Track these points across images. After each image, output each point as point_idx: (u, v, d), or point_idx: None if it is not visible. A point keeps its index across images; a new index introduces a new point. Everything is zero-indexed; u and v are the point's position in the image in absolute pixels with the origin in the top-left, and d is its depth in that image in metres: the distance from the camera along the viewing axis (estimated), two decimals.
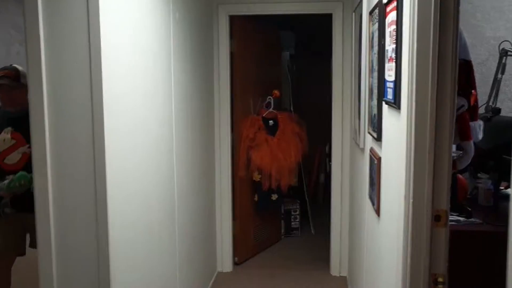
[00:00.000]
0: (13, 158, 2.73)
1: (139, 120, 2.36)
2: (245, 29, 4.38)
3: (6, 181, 2.69)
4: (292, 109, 5.48)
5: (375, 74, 2.36)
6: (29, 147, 2.41)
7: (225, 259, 4.37)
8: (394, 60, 1.81)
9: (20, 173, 2.68)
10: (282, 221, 5.22)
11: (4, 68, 2.79)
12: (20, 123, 2.63)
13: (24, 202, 2.68)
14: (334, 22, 4.04)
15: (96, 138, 1.93)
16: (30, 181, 2.56)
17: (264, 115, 4.60)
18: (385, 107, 2.15)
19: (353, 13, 3.63)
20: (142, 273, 2.43)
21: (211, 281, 4.11)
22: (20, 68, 2.83)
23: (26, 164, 2.70)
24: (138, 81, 2.36)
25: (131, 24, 2.27)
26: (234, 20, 4.19)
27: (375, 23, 2.37)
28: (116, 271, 2.04)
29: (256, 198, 4.65)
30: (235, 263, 4.46)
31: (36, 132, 1.94)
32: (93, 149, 1.93)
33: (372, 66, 2.51)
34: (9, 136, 2.76)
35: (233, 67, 4.24)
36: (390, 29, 1.92)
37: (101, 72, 1.89)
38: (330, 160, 4.57)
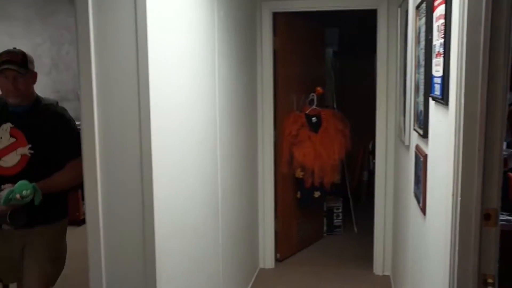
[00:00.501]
0: (11, 160, 2.37)
1: (184, 118, 2.40)
2: (289, 26, 4.37)
3: (3, 192, 2.24)
4: (335, 106, 5.44)
5: (422, 69, 2.32)
6: (31, 148, 2.35)
7: (267, 256, 4.38)
8: (442, 55, 1.77)
9: (21, 182, 2.26)
10: (325, 219, 5.20)
11: (9, 52, 2.40)
12: (22, 118, 2.41)
13: (26, 215, 2.36)
14: (379, 18, 3.98)
15: (143, 137, 1.97)
16: (34, 192, 2.27)
17: (307, 112, 4.58)
18: (432, 103, 2.10)
19: (399, 8, 3.57)
20: (186, 268, 2.48)
21: (253, 277, 4.13)
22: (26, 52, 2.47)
23: (25, 170, 2.37)
24: (184, 80, 2.40)
25: (177, 23, 2.31)
26: (278, 17, 4.19)
27: (422, 18, 2.32)
28: (162, 265, 2.09)
29: (298, 195, 4.64)
30: (277, 260, 4.47)
31: (86, 125, 2.00)
32: (140, 147, 1.98)
33: (419, 61, 2.46)
34: (7, 133, 2.39)
35: (276, 64, 4.24)
36: (438, 23, 1.88)
37: (148, 71, 1.93)
38: (373, 158, 4.51)
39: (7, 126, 2.41)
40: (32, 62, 2.45)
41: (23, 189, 2.22)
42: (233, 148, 3.39)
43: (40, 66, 5.75)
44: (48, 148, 2.40)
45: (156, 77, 1.99)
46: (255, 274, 4.22)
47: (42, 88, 5.80)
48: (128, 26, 1.93)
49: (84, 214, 2.09)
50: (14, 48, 2.45)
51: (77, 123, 5.95)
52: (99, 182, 2.00)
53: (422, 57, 2.33)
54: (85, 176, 2.02)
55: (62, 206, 2.59)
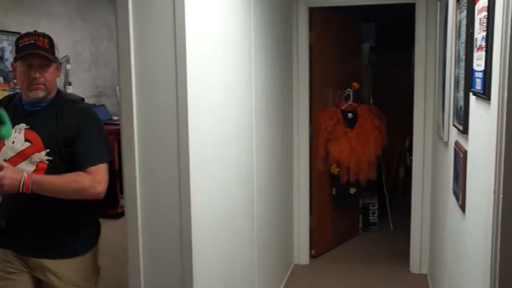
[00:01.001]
0: (25, 169, 1.86)
1: (221, 112, 2.42)
2: (325, 21, 4.35)
3: None
4: (371, 101, 5.38)
5: (462, 64, 2.26)
6: (48, 154, 1.90)
7: (301, 252, 4.38)
8: (484, 49, 1.72)
9: None
10: (360, 216, 5.15)
11: (32, 34, 1.93)
12: (39, 118, 1.94)
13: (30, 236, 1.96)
14: (418, 12, 3.91)
15: (180, 131, 2.00)
16: None
17: (343, 107, 4.54)
18: (472, 98, 2.05)
19: (438, 2, 3.49)
20: (222, 262, 2.50)
21: (288, 273, 4.14)
22: None
23: None
24: (221, 75, 2.42)
25: (214, 19, 2.33)
26: (314, 12, 4.17)
27: (463, 11, 2.27)
28: (198, 259, 2.12)
29: (334, 192, 4.62)
30: (312, 256, 4.46)
31: (125, 121, 2.05)
32: (177, 142, 2.01)
33: (459, 56, 2.41)
34: (22, 136, 1.90)
35: (312, 60, 4.22)
36: (480, 16, 1.83)
37: (185, 66, 1.96)
38: (410, 154, 4.44)
39: (22, 127, 1.93)
40: (58, 49, 2.00)
41: None
42: (269, 144, 3.40)
43: (80, 62, 5.90)
44: (69, 154, 1.91)
45: (194, 72, 2.02)
46: (290, 270, 4.22)
47: (83, 84, 5.99)
48: (166, 22, 1.96)
49: (122, 207, 2.14)
50: (35, 31, 1.97)
51: (115, 118, 6.10)
52: (137, 176, 2.05)
53: (462, 51, 2.27)
54: (124, 170, 2.07)
55: (91, 231, 2.09)
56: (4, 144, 1.94)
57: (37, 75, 1.90)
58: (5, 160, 1.89)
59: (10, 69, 4.90)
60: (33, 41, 1.90)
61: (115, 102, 6.20)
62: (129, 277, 2.13)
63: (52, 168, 1.90)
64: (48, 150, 1.90)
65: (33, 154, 1.90)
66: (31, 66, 1.90)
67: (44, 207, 1.93)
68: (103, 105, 6.08)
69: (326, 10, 4.28)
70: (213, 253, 2.35)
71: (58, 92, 2.03)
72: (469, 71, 2.04)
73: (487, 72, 1.68)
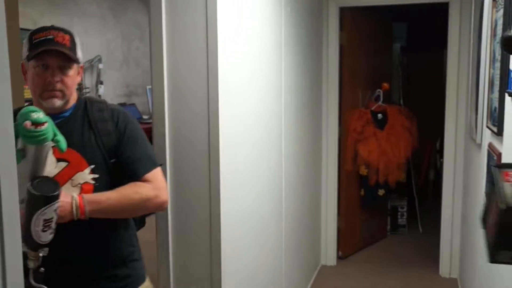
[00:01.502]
0: (65, 196, 1.43)
1: (251, 113, 2.43)
2: (356, 21, 4.31)
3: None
4: (402, 102, 5.32)
5: (497, 64, 2.22)
6: (93, 171, 1.53)
7: (329, 253, 4.36)
8: None
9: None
10: (389, 218, 5.09)
11: (50, 28, 1.55)
12: (67, 130, 1.50)
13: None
14: (451, 11, 3.84)
15: (211, 131, 2.02)
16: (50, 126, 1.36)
17: (373, 108, 4.50)
18: (508, 99, 2.01)
19: (473, 0, 3.43)
20: (250, 261, 2.51)
21: (315, 274, 4.13)
22: None
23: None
24: (252, 75, 2.43)
25: (246, 19, 2.34)
26: (345, 12, 4.14)
27: (499, 10, 2.22)
28: (227, 258, 2.13)
29: (362, 193, 4.58)
30: (339, 257, 4.43)
31: (157, 120, 2.07)
32: (208, 142, 2.03)
33: (494, 55, 2.36)
34: (51, 156, 1.44)
35: (342, 60, 4.20)
36: None
37: (217, 67, 1.97)
38: (441, 157, 4.37)
39: (48, 146, 1.42)
40: (81, 48, 1.61)
41: (32, 110, 1.33)
42: (298, 144, 3.39)
43: (112, 62, 6.00)
44: (114, 166, 1.58)
45: (225, 72, 2.03)
46: (317, 270, 4.21)
47: (114, 83, 6.08)
48: (199, 23, 1.98)
49: None
50: (52, 25, 1.58)
51: (144, 117, 6.16)
52: (168, 175, 2.07)
53: (498, 51, 2.22)
54: None
55: (140, 254, 1.73)
56: None
57: (56, 78, 1.50)
58: None
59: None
60: (51, 36, 1.51)
61: (145, 101, 6.28)
62: (158, 278, 2.16)
63: (99, 188, 1.52)
64: (93, 166, 1.53)
65: (74, 175, 1.51)
66: (47, 67, 1.50)
67: (90, 240, 1.57)
68: (133, 104, 6.17)
69: (356, 10, 4.25)
70: (242, 253, 2.36)
71: (79, 96, 1.66)
72: (505, 71, 2.00)
73: None
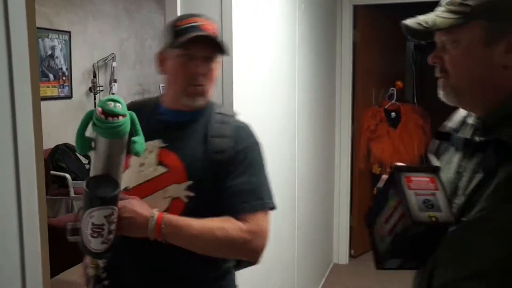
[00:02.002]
0: (154, 204, 1.28)
1: (265, 109, 2.44)
2: (369, 19, 4.29)
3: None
4: (415, 101, 5.27)
5: None
6: (191, 188, 1.31)
7: (341, 251, 4.35)
8: None
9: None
10: None
11: (191, 15, 1.39)
12: (182, 135, 1.38)
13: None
14: None
15: None
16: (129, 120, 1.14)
17: (386, 106, 4.48)
18: None
19: None
20: (264, 258, 2.51)
21: (327, 272, 4.12)
22: None
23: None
24: (266, 73, 2.44)
25: (260, 17, 2.34)
26: (358, 10, 4.13)
27: None
28: None
29: (375, 192, 4.55)
30: (351, 256, 4.42)
31: None
32: None
33: None
34: (154, 157, 1.35)
35: (355, 58, 4.18)
36: None
37: (232, 65, 1.98)
38: None
39: (155, 145, 1.36)
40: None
41: (110, 99, 1.13)
42: (311, 142, 3.39)
43: (125, 60, 6.04)
44: (216, 192, 1.34)
45: (239, 70, 2.04)
46: (329, 269, 4.20)
47: (127, 81, 6.12)
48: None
49: None
50: (194, 13, 1.41)
51: None
52: None
53: None
54: None
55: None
56: (129, 165, 1.36)
57: (201, 70, 1.33)
58: (126, 189, 1.33)
59: (61, 66, 5.11)
60: (197, 24, 1.34)
61: None
62: None
63: (190, 209, 1.30)
64: (191, 183, 1.32)
65: (169, 185, 1.32)
66: (192, 58, 1.33)
67: (174, 260, 1.34)
68: None
69: (370, 8, 4.23)
70: None
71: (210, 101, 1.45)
72: None
73: None
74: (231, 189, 1.32)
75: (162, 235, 1.22)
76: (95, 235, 1.14)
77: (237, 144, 1.35)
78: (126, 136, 1.14)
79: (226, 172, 1.33)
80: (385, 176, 1.16)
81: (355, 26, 4.13)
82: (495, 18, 0.98)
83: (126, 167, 1.34)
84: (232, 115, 1.45)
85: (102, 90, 5.57)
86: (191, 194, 1.31)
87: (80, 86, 5.40)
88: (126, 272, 1.35)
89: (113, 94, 5.76)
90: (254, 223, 1.30)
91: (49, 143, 4.75)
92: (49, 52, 4.94)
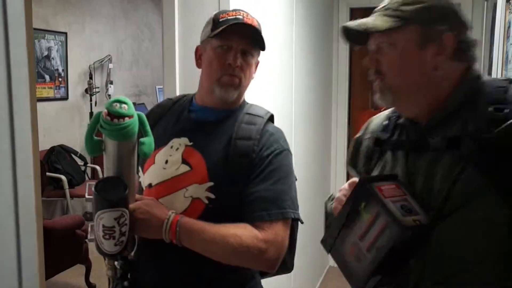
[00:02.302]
0: (173, 204, 1.27)
1: None
2: None
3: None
4: None
5: (510, 66, 2.21)
6: (211, 190, 1.27)
7: None
8: None
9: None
10: None
11: (233, 10, 1.41)
12: (209, 134, 1.34)
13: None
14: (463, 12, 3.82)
15: None
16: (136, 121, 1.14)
17: (382, 109, 4.48)
18: None
19: (485, 2, 3.41)
20: None
21: (322, 275, 4.12)
22: None
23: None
24: (263, 74, 2.43)
25: (258, 18, 2.33)
26: (355, 13, 4.13)
27: None
28: None
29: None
30: None
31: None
32: None
33: (507, 57, 2.35)
34: (179, 155, 1.32)
35: (352, 61, 4.19)
36: None
37: None
38: None
39: (182, 142, 1.34)
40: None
41: (116, 100, 1.12)
42: (307, 144, 3.39)
43: (122, 61, 6.03)
44: (236, 196, 1.29)
45: None
46: (324, 271, 4.20)
47: (123, 83, 6.11)
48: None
49: None
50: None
51: None
52: None
53: (511, 53, 2.21)
54: None
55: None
56: (153, 162, 1.34)
57: (237, 62, 1.31)
58: (150, 185, 1.32)
59: (57, 68, 5.10)
60: (240, 16, 1.34)
61: (154, 101, 6.31)
62: None
63: (210, 212, 1.27)
64: (212, 184, 1.27)
65: (190, 184, 1.28)
66: (230, 48, 1.32)
67: (186, 269, 1.30)
68: (142, 104, 6.19)
69: (367, 10, 4.17)
70: None
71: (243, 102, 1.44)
72: None
73: None
74: (252, 195, 1.27)
75: (179, 239, 1.19)
76: (106, 237, 1.13)
77: (262, 149, 1.30)
78: (135, 138, 1.13)
79: (247, 176, 1.28)
80: (340, 195, 1.15)
81: None
82: (427, 23, 1.05)
83: (152, 163, 1.34)
84: (262, 116, 1.39)
85: (98, 92, 5.56)
86: (212, 196, 1.27)
87: (76, 87, 5.38)
88: (147, 273, 1.31)
89: (109, 95, 5.75)
90: (270, 232, 1.25)
91: (44, 144, 4.74)
92: (45, 53, 4.92)
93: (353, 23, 1.11)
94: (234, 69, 1.31)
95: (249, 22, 1.34)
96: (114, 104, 1.10)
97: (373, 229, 0.99)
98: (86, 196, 1.19)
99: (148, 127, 1.16)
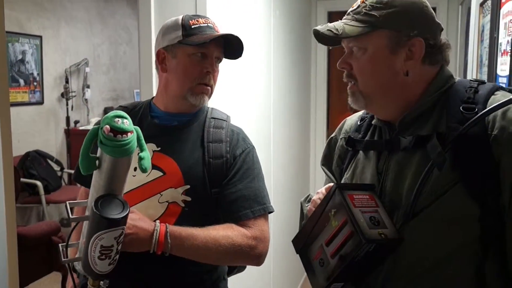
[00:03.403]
0: (148, 211, 1.27)
1: (240, 115, 2.43)
2: None
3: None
4: None
5: (485, 69, 2.24)
6: (187, 193, 1.29)
7: None
8: (509, 54, 1.70)
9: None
10: None
11: (200, 16, 1.42)
12: (176, 138, 1.36)
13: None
14: (438, 16, 3.83)
15: None
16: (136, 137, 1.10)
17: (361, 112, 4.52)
18: None
19: (460, 6, 3.47)
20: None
21: (302, 279, 4.12)
22: None
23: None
24: (241, 77, 2.43)
25: (235, 23, 2.33)
26: (333, 16, 4.16)
27: (486, 15, 2.24)
28: None
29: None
30: None
31: None
32: None
33: (481, 61, 2.38)
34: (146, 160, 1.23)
35: (330, 64, 4.21)
36: (505, 20, 1.81)
37: None
38: None
39: (149, 148, 1.30)
40: None
41: (118, 115, 1.08)
42: (286, 148, 3.39)
43: (99, 65, 5.96)
44: (214, 197, 1.33)
45: None
46: (304, 276, 4.20)
47: (100, 87, 6.04)
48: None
49: None
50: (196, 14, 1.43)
51: None
52: None
53: (485, 56, 2.25)
54: None
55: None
56: None
57: (214, 69, 1.37)
58: None
59: (32, 72, 5.01)
60: (211, 25, 1.38)
61: None
62: None
63: (187, 214, 1.29)
64: (188, 187, 1.29)
65: (165, 189, 1.29)
66: (206, 56, 1.34)
67: (166, 280, 1.31)
68: None
69: (344, 14, 4.27)
70: None
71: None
72: (492, 76, 2.02)
73: None
74: (233, 194, 1.31)
75: (166, 250, 1.20)
76: (103, 257, 1.10)
77: (233, 149, 1.36)
78: (133, 153, 1.10)
79: (224, 177, 1.33)
80: (316, 198, 1.15)
81: None
82: (396, 28, 1.05)
83: None
84: (226, 120, 1.44)
85: (74, 96, 5.48)
86: (188, 198, 1.29)
87: (52, 91, 5.30)
88: (124, 285, 1.28)
89: (86, 100, 5.67)
90: (257, 229, 1.31)
91: (19, 150, 4.64)
92: (20, 56, 4.83)
93: (323, 28, 1.10)
94: (208, 77, 1.35)
95: (218, 30, 1.39)
96: (116, 119, 1.06)
97: (338, 237, 0.99)
98: (70, 216, 1.12)
99: (143, 141, 1.13)
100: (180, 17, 1.37)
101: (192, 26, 1.34)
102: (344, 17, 1.12)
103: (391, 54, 1.06)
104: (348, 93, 1.14)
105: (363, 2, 1.09)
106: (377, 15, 1.05)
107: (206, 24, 1.36)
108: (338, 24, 1.09)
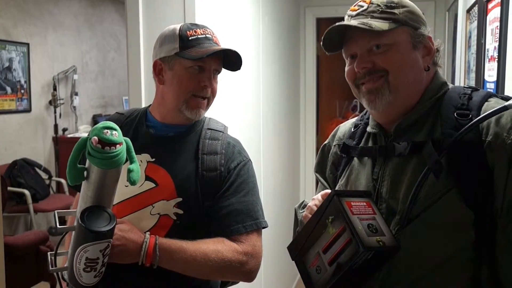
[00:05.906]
0: (140, 222, 1.25)
1: (229, 122, 2.41)
2: None
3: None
4: None
5: (472, 75, 2.26)
6: (180, 206, 1.27)
7: None
8: (496, 59, 1.72)
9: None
10: None
11: (198, 25, 1.36)
12: (171, 149, 1.33)
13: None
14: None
15: None
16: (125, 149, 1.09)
17: (350, 118, 4.54)
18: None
19: (447, 12, 3.49)
20: None
21: (293, 285, 4.11)
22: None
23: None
24: (230, 84, 2.42)
25: (224, 29, 2.33)
26: (322, 23, 4.18)
27: (473, 21, 2.26)
28: None
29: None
30: None
31: None
32: None
33: (469, 66, 2.40)
34: (142, 171, 1.28)
35: (319, 70, 4.23)
36: (492, 26, 1.83)
37: None
38: None
39: (143, 159, 1.31)
40: None
41: (106, 126, 1.06)
42: (276, 154, 3.39)
43: (87, 73, 5.93)
44: (207, 211, 1.30)
45: None
46: (295, 282, 4.19)
47: (89, 94, 6.00)
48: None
49: None
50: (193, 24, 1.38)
51: None
52: None
53: (472, 62, 2.26)
54: None
55: None
56: None
57: (212, 83, 1.35)
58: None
59: (19, 79, 4.96)
60: (209, 35, 1.34)
61: None
62: None
63: (178, 227, 1.27)
64: (180, 200, 1.27)
65: (157, 201, 1.26)
66: (203, 69, 1.31)
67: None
68: (109, 115, 6.10)
69: (333, 20, 4.25)
70: None
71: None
72: (480, 81, 2.03)
73: (499, 82, 1.67)
74: (225, 208, 1.28)
75: (154, 262, 1.18)
76: (88, 269, 1.09)
77: (228, 162, 1.32)
78: (122, 165, 1.07)
79: (217, 190, 1.30)
80: (312, 205, 1.14)
81: (318, 39, 4.18)
82: (414, 26, 1.09)
83: None
84: (222, 131, 1.41)
85: (63, 103, 5.44)
86: (180, 211, 1.26)
87: (39, 99, 5.25)
88: None
89: (74, 107, 5.63)
90: (248, 244, 1.28)
91: (6, 158, 4.59)
92: (7, 64, 4.79)
93: (355, 22, 1.09)
94: (205, 90, 1.32)
95: (217, 40, 1.35)
96: (105, 131, 1.04)
97: (336, 244, 0.98)
98: (58, 226, 1.10)
99: (133, 153, 1.11)
100: (178, 27, 1.33)
101: (190, 38, 1.30)
102: (356, 17, 1.11)
103: (414, 50, 1.09)
104: (365, 92, 1.11)
105: (370, 2, 1.10)
106: (397, 12, 1.07)
107: (204, 35, 1.31)
108: (362, 21, 1.08)
